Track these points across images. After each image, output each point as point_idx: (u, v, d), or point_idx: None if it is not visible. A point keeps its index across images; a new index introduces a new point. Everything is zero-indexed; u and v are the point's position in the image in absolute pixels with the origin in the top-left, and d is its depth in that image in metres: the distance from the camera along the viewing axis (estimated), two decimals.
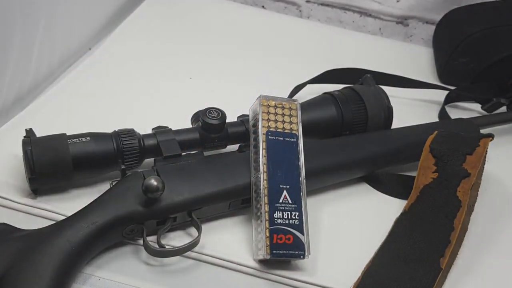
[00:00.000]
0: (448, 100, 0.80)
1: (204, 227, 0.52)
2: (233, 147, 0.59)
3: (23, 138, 0.52)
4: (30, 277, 0.42)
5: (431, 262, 0.50)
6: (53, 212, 0.52)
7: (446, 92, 0.80)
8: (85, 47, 0.82)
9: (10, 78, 0.64)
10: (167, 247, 0.50)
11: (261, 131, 0.54)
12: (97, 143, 0.52)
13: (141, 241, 0.49)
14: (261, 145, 0.53)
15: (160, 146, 0.54)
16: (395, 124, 0.65)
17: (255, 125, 0.55)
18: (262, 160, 0.52)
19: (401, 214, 0.56)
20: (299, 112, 0.56)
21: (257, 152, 0.53)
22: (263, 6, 1.03)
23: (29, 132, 0.52)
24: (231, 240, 0.53)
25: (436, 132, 0.62)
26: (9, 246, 0.44)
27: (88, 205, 0.49)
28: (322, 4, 1.00)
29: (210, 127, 0.56)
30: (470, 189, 0.55)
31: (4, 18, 0.60)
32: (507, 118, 0.74)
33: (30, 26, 0.66)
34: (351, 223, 0.58)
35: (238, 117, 0.60)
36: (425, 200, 0.56)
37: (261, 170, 0.52)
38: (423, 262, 0.51)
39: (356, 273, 0.51)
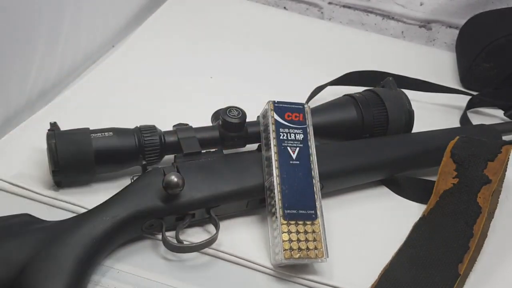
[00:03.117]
0: (470, 105, 0.79)
1: (222, 224, 0.52)
2: (252, 146, 0.60)
3: (47, 131, 0.53)
4: (52, 268, 0.43)
5: (449, 268, 0.50)
6: (75, 204, 0.53)
7: (468, 97, 0.80)
8: (109, 44, 0.83)
9: (35, 73, 0.65)
10: (185, 243, 0.50)
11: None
12: (119, 138, 0.53)
13: (160, 236, 0.50)
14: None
15: (181, 143, 0.55)
16: (416, 128, 0.64)
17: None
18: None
19: (420, 219, 0.56)
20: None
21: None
22: (284, 7, 1.04)
23: (54, 126, 0.53)
24: (248, 239, 0.53)
25: (457, 137, 0.61)
26: (32, 237, 0.45)
27: (109, 198, 0.50)
28: (344, 6, 1.00)
29: (230, 126, 0.56)
30: (490, 195, 0.55)
31: (31, 14, 0.61)
32: None
33: (56, 22, 0.67)
34: (369, 226, 0.58)
35: (258, 117, 0.60)
36: (444, 206, 0.56)
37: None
38: (441, 268, 0.50)
39: (373, 276, 0.50)
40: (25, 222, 0.47)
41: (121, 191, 0.50)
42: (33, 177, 0.55)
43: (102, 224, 0.47)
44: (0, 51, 0.57)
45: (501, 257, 0.56)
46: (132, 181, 0.52)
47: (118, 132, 0.54)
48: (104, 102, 0.68)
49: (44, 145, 0.53)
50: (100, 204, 0.49)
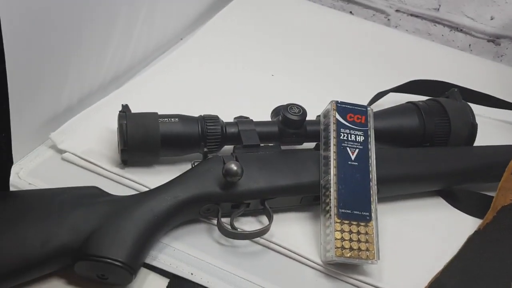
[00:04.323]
0: None
1: (275, 217, 0.53)
2: (309, 145, 0.60)
3: (119, 112, 0.56)
4: (114, 239, 0.45)
5: (502, 284, 0.49)
6: (138, 183, 0.56)
7: None
8: (178, 37, 0.86)
9: (110, 58, 0.69)
10: (239, 230, 0.52)
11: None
12: (184, 125, 0.56)
13: (215, 221, 0.52)
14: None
15: (241, 135, 0.57)
16: (478, 142, 0.63)
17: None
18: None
19: (475, 232, 0.55)
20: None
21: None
22: (350, 12, 1.04)
23: (125, 108, 0.57)
24: (299, 234, 0.54)
25: None
26: (99, 208, 0.48)
27: (172, 180, 0.52)
28: (412, 15, 0.99)
29: (290, 122, 0.57)
30: None
31: (111, 5, 0.65)
32: None
33: (133, 13, 0.71)
34: (422, 234, 0.57)
35: (317, 116, 0.61)
36: (502, 222, 0.55)
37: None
38: (492, 283, 0.50)
39: (421, 284, 0.50)
40: (94, 194, 0.50)
41: (183, 174, 0.53)
42: (102, 154, 0.58)
43: (164, 203, 0.49)
44: (81, 36, 0.61)
45: None
46: (193, 166, 0.54)
47: (184, 119, 0.56)
48: (171, 90, 0.71)
49: (114, 125, 0.56)
50: (163, 184, 0.51)
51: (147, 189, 0.53)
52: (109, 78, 0.71)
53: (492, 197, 0.58)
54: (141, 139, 0.54)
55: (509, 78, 0.91)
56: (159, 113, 0.56)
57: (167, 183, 0.52)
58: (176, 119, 0.56)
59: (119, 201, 0.49)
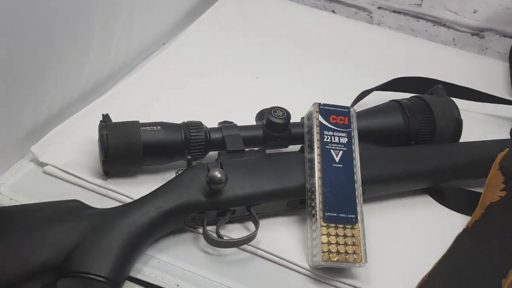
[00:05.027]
0: None
1: (262, 223, 0.52)
2: (295, 147, 0.60)
3: (99, 122, 0.55)
4: (97, 254, 0.45)
5: (492, 282, 0.49)
6: (121, 194, 0.55)
7: None
8: (160, 42, 0.85)
9: (90, 67, 0.68)
10: (225, 238, 0.51)
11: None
12: (167, 133, 0.55)
13: (201, 230, 0.51)
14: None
15: (225, 140, 0.56)
16: (464, 138, 0.63)
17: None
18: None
19: (464, 230, 0.55)
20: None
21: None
22: (333, 11, 1.03)
23: (106, 117, 0.56)
24: (287, 239, 0.54)
25: (507, 149, 0.59)
26: (80, 222, 0.47)
27: (155, 190, 0.51)
28: (394, 11, 0.99)
29: (274, 126, 0.57)
30: None
31: (88, 12, 0.64)
32: None
33: (111, 19, 0.70)
34: (410, 234, 0.57)
35: (302, 118, 0.61)
36: (490, 219, 0.55)
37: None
38: (482, 281, 0.49)
39: (411, 285, 0.50)
40: (75, 207, 0.49)
41: (166, 183, 0.52)
42: (84, 166, 0.57)
43: (147, 214, 0.48)
44: (57, 46, 0.60)
45: None
46: (177, 174, 0.53)
47: (166, 126, 0.55)
48: (153, 97, 0.70)
49: (96, 135, 0.55)
50: (146, 195, 0.51)
51: (131, 200, 0.52)
52: (89, 87, 0.70)
53: (480, 193, 0.58)
54: (122, 149, 0.53)
55: (494, 70, 0.90)
56: (141, 122, 0.56)
57: (150, 193, 0.51)
58: (158, 127, 0.55)
59: (101, 214, 0.48)
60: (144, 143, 0.54)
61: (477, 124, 0.72)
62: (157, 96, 0.71)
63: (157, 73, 0.76)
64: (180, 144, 0.55)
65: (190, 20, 0.89)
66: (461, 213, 0.60)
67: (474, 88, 0.76)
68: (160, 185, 0.52)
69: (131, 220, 0.47)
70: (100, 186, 0.55)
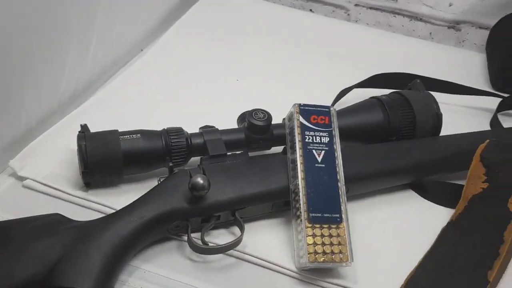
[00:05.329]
0: (501, 107, 0.77)
1: (247, 226, 0.52)
2: (277, 149, 0.60)
3: (78, 133, 0.54)
4: (81, 266, 0.44)
5: (478, 275, 0.49)
6: (103, 205, 0.54)
7: (499, 99, 0.78)
8: (137, 48, 0.85)
9: (67, 77, 0.67)
10: (210, 244, 0.51)
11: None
12: (147, 140, 0.54)
13: (185, 237, 0.51)
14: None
15: (207, 145, 0.56)
16: (445, 131, 0.63)
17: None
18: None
19: (448, 223, 0.55)
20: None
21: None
22: (311, 10, 1.03)
23: (84, 128, 0.55)
24: (273, 241, 0.53)
25: (487, 141, 0.60)
26: (62, 236, 0.46)
27: (136, 200, 0.51)
28: (371, 8, 0.99)
29: (256, 128, 0.57)
30: None
31: (63, 21, 0.63)
32: None
33: (87, 28, 0.69)
34: (395, 230, 0.57)
35: (284, 119, 0.60)
36: (473, 211, 0.55)
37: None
38: (469, 274, 0.50)
39: (398, 281, 0.50)
40: (56, 221, 0.48)
41: (148, 192, 0.51)
42: (64, 178, 0.56)
43: (130, 225, 0.48)
44: (33, 56, 0.59)
45: None
46: (159, 182, 0.53)
47: (146, 134, 0.55)
48: (132, 105, 0.69)
49: (74, 146, 0.54)
50: (128, 205, 0.50)
51: (113, 211, 0.51)
52: (67, 97, 0.69)
53: (463, 186, 0.58)
54: (102, 159, 0.53)
55: (472, 62, 0.91)
56: (120, 130, 0.55)
57: (132, 203, 0.50)
58: (138, 135, 0.55)
59: (82, 227, 0.48)
60: (124, 152, 0.53)
61: (457, 117, 0.73)
62: (136, 103, 0.70)
63: (135, 81, 0.75)
64: (161, 151, 0.54)
65: (168, 25, 0.89)
66: (445, 206, 0.60)
67: (453, 81, 0.76)
68: (142, 194, 0.51)
69: (113, 231, 0.47)
70: (81, 198, 0.55)
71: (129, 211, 0.49)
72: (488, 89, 0.83)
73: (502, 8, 0.91)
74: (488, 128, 0.74)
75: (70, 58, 0.67)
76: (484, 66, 0.90)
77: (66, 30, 0.64)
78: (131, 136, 0.54)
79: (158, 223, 0.49)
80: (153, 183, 0.54)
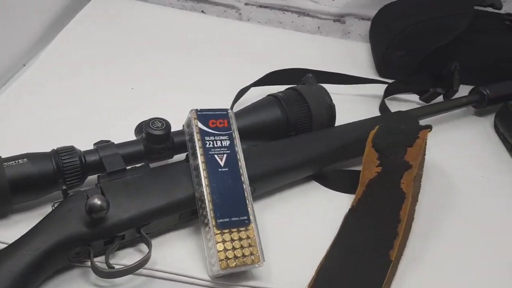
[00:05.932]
0: (387, 93, 0.82)
1: (155, 241, 0.51)
2: (181, 157, 0.58)
3: None
4: None
5: (381, 255, 0.52)
6: None
7: (385, 85, 0.83)
8: (19, 63, 0.78)
9: None
10: (116, 266, 0.48)
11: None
12: (35, 164, 0.50)
13: (89, 263, 0.48)
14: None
15: (103, 162, 0.53)
16: (340, 121, 0.66)
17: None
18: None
19: (349, 210, 0.57)
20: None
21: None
22: (202, 11, 1.03)
23: None
24: (184, 253, 0.52)
25: (377, 127, 0.64)
26: None
27: (29, 230, 0.47)
28: (260, 6, 1.01)
29: (155, 138, 0.55)
30: (412, 180, 0.57)
31: None
32: (444, 107, 0.77)
33: None
34: (302, 222, 0.58)
35: (183, 126, 0.59)
36: (371, 195, 0.58)
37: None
38: (373, 256, 0.52)
39: (311, 272, 0.51)
40: None
41: (41, 221, 0.48)
42: None
43: (24, 259, 0.44)
44: None
45: (428, 238, 0.59)
46: (53, 208, 0.49)
47: (33, 157, 0.51)
48: (17, 126, 0.64)
49: None
50: (21, 237, 0.46)
51: (6, 245, 0.47)
52: None
53: (360, 172, 0.61)
54: None
55: (358, 52, 0.96)
56: (3, 157, 0.50)
57: (25, 234, 0.46)
58: (25, 159, 0.51)
59: None
60: (10, 180, 0.49)
61: (349, 106, 0.76)
62: (22, 124, 0.65)
63: (19, 98, 0.69)
64: (52, 175, 0.51)
65: (51, 36, 0.83)
66: (347, 192, 0.63)
67: (343, 71, 0.80)
68: (36, 223, 0.48)
69: (6, 270, 0.43)
70: None
71: (23, 244, 0.45)
72: (375, 76, 0.88)
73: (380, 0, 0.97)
74: (378, 113, 0.79)
75: None
76: (370, 55, 0.95)
77: None
78: (16, 161, 0.50)
79: (55, 253, 0.46)
80: (48, 209, 0.50)
